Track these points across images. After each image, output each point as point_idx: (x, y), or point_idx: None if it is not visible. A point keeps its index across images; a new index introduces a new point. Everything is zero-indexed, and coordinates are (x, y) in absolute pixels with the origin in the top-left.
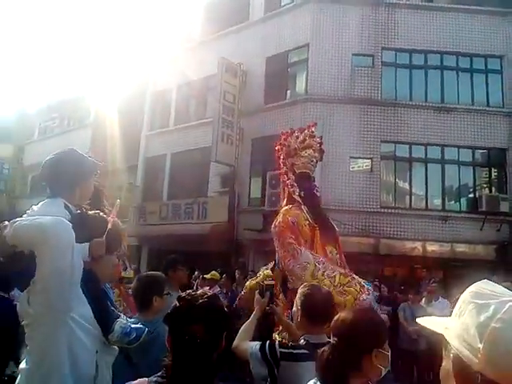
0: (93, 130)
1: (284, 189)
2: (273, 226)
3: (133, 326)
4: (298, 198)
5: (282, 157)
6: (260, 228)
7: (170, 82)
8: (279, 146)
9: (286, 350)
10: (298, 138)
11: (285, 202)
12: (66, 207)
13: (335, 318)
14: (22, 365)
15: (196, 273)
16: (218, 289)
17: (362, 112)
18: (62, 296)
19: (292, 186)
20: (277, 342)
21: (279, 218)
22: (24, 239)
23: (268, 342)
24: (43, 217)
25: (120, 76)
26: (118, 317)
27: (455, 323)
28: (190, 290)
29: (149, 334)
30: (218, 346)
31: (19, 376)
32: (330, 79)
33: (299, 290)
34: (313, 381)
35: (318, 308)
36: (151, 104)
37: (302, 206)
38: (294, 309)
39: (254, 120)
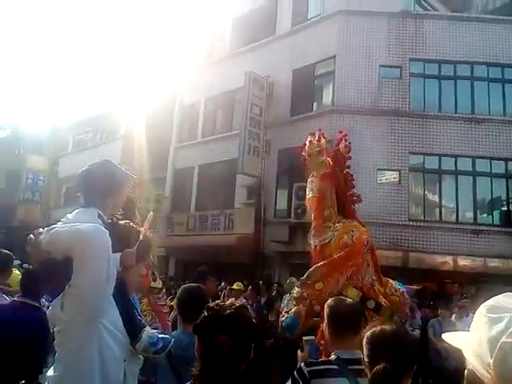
0: (123, 142)
1: (326, 197)
2: (346, 238)
3: (160, 335)
4: (356, 213)
5: (329, 161)
6: (286, 240)
7: (197, 96)
8: (317, 150)
9: (315, 368)
10: (346, 147)
11: (333, 211)
12: (100, 216)
13: (374, 335)
14: (50, 372)
15: (222, 284)
16: (244, 300)
17: (389, 123)
18: (97, 303)
19: (354, 198)
20: (302, 364)
21: (354, 233)
22: (61, 245)
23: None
24: (82, 224)
25: (149, 90)
26: (145, 326)
27: (471, 338)
28: (219, 301)
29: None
30: (246, 357)
31: (46, 383)
32: (356, 91)
33: (325, 304)
34: None
35: (345, 319)
36: (180, 117)
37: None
38: (325, 325)
39: (281, 132)
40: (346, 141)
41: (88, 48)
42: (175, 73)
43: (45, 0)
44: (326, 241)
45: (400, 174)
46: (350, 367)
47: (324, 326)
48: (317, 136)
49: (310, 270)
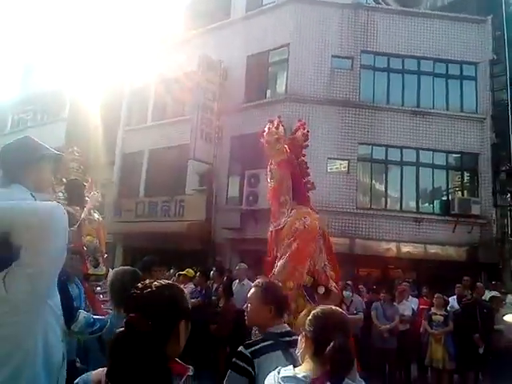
0: (68, 125)
1: (282, 184)
2: (298, 224)
3: (95, 317)
4: (310, 199)
5: (271, 150)
6: (237, 227)
7: (148, 79)
8: (276, 138)
9: (254, 348)
10: (303, 135)
11: (288, 198)
12: (32, 195)
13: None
14: None
15: (171, 270)
16: (192, 286)
17: (340, 113)
18: (51, 282)
19: (308, 185)
20: (240, 348)
21: (306, 219)
22: (13, 223)
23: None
24: (35, 202)
25: (98, 72)
26: (79, 308)
27: None
28: (149, 281)
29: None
30: (166, 339)
31: None
32: (309, 80)
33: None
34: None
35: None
36: (129, 100)
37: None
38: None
39: (234, 118)
40: (304, 129)
41: (37, 23)
42: (127, 54)
43: None
44: (280, 226)
45: (349, 164)
46: (282, 339)
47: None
48: (275, 123)
49: (276, 270)
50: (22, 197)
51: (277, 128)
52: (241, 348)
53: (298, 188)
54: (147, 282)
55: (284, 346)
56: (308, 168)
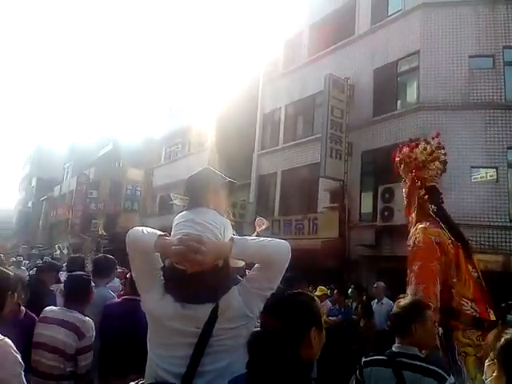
0: (209, 152)
1: (410, 203)
2: (410, 243)
3: None
4: (433, 214)
5: (403, 169)
6: (373, 243)
7: (277, 103)
8: (401, 158)
9: (369, 358)
10: (425, 149)
11: (414, 216)
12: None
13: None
14: None
15: (310, 288)
16: (330, 304)
17: (482, 117)
18: None
19: (425, 200)
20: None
21: (418, 236)
22: (262, 255)
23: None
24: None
25: (231, 101)
26: None
27: None
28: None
29: None
30: (298, 342)
31: None
32: (444, 85)
33: None
34: None
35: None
36: (261, 125)
37: (440, 223)
38: None
39: (363, 133)
40: (439, 143)
41: (173, 66)
42: (255, 82)
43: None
44: (408, 247)
45: (497, 171)
46: (398, 359)
47: None
48: (413, 144)
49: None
50: (219, 219)
51: (411, 149)
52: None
53: (421, 204)
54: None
55: (395, 365)
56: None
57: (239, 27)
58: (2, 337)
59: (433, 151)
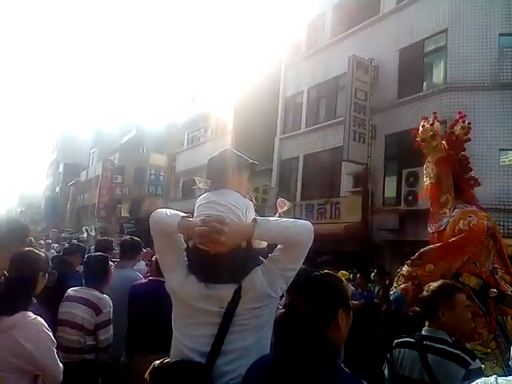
0: (232, 137)
1: (441, 183)
2: (463, 224)
3: None
4: (475, 197)
5: (434, 146)
6: (396, 228)
7: (300, 86)
8: (433, 133)
9: (400, 340)
10: (463, 128)
11: (450, 198)
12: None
13: None
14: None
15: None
16: (353, 288)
17: None
18: None
19: (467, 180)
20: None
21: (471, 219)
22: (285, 236)
23: None
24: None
25: (252, 85)
26: None
27: None
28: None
29: None
30: (326, 323)
31: None
32: (472, 65)
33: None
34: None
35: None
36: (283, 109)
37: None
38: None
39: (387, 116)
40: (463, 122)
41: (195, 52)
42: (277, 66)
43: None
44: (442, 227)
45: None
46: (425, 342)
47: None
48: (430, 119)
49: (423, 250)
50: (242, 200)
51: (431, 124)
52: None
53: (460, 186)
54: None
55: (421, 348)
56: (469, 163)
57: (261, 10)
58: (34, 316)
59: (469, 128)
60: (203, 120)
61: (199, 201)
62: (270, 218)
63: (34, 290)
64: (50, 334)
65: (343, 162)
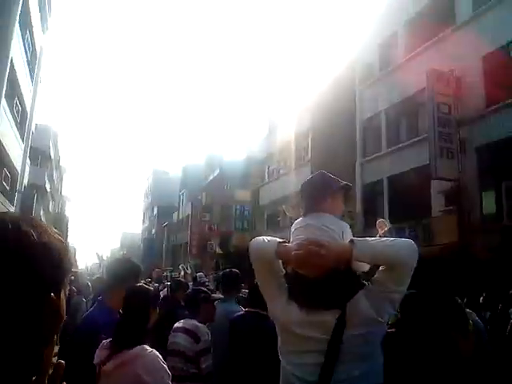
0: (310, 167)
1: None
2: None
3: None
4: None
5: None
6: (499, 246)
7: (376, 107)
8: None
9: None
10: None
11: None
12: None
13: None
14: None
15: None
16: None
17: None
18: None
19: None
20: None
21: None
22: (386, 256)
23: None
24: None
25: (329, 110)
26: None
27: None
28: None
29: None
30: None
31: None
32: None
33: None
34: None
35: None
36: (362, 131)
37: None
38: None
39: (476, 127)
40: None
41: (269, 84)
42: (350, 89)
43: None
44: None
45: None
46: None
47: None
48: None
49: None
50: (331, 220)
51: None
52: None
53: None
54: None
55: None
56: None
57: (331, 35)
58: (151, 349)
59: None
60: (281, 152)
61: (294, 225)
62: (369, 239)
63: (148, 323)
64: (166, 366)
65: (432, 181)
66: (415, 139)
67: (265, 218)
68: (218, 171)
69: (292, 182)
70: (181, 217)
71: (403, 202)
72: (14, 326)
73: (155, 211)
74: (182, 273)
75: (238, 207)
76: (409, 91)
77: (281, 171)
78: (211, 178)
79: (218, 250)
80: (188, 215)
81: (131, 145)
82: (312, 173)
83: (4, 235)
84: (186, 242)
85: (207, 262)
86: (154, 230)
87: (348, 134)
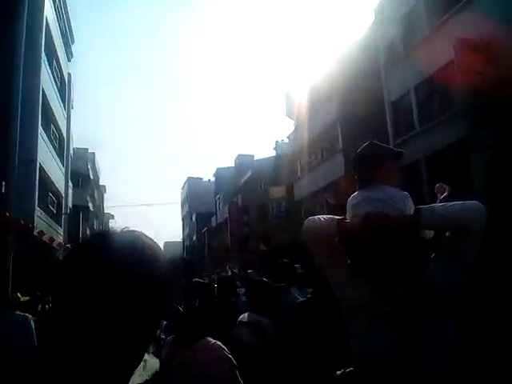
0: (343, 155)
1: None
2: None
3: None
4: None
5: None
6: None
7: (405, 85)
8: None
9: None
10: None
11: None
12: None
13: None
14: None
15: None
16: None
17: None
18: None
19: None
20: None
21: None
22: (455, 220)
23: None
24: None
25: (354, 95)
26: None
27: None
28: None
29: None
30: None
31: None
32: None
33: None
34: None
35: None
36: (392, 114)
37: None
38: None
39: None
40: None
41: (295, 74)
42: (375, 69)
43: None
44: None
45: None
46: None
47: None
48: None
49: None
50: (390, 191)
51: None
52: None
53: None
54: None
55: None
56: None
57: (352, 18)
58: (214, 340)
59: None
60: (312, 144)
61: (351, 200)
62: (434, 205)
63: (209, 317)
64: (231, 356)
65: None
66: (449, 113)
67: (302, 212)
68: (251, 172)
69: (325, 174)
70: (219, 221)
71: (445, 178)
72: (151, 327)
73: (193, 218)
74: (230, 273)
75: (274, 205)
76: (436, 65)
77: (313, 163)
78: (244, 179)
79: (262, 247)
80: (226, 218)
81: (164, 155)
82: (344, 161)
83: (145, 254)
84: (227, 245)
85: (251, 261)
86: (194, 237)
87: (377, 117)
